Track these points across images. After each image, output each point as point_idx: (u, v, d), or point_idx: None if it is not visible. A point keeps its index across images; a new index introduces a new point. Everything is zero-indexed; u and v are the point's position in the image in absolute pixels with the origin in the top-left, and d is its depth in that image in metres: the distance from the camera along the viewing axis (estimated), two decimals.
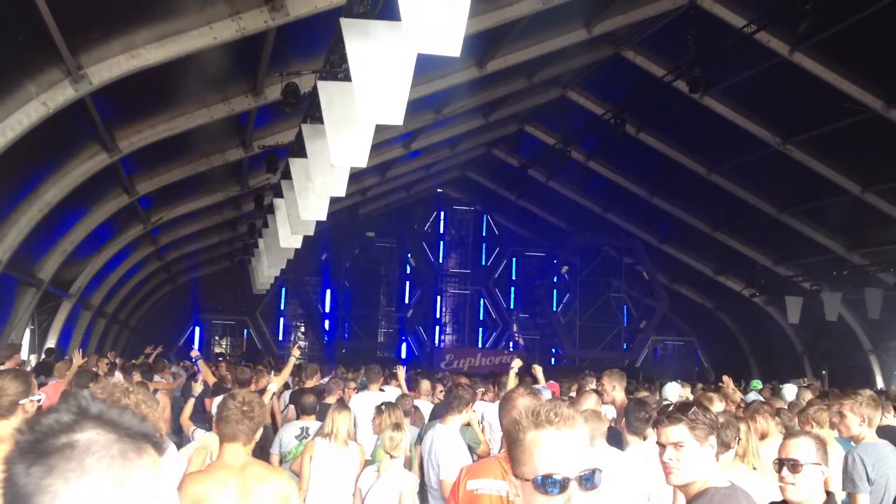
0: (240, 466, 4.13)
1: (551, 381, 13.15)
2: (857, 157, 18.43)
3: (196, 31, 10.25)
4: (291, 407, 9.54)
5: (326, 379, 12.05)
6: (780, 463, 3.80)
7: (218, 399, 7.39)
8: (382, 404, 7.00)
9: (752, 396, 10.00)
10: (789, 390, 10.87)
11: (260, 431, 4.38)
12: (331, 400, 9.15)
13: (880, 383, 22.60)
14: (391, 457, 5.87)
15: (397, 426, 6.08)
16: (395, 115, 7.14)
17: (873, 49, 15.12)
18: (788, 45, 15.61)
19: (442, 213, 34.99)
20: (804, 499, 3.70)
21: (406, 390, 10.22)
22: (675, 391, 10.40)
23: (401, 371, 10.61)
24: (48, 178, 12.89)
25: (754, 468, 5.30)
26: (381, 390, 10.14)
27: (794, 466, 3.73)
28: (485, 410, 8.60)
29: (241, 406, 4.21)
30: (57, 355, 15.17)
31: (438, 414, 8.10)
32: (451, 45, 5.79)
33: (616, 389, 7.84)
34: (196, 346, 31.95)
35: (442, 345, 34.00)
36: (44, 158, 12.56)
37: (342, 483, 6.40)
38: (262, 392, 8.15)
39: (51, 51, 9.55)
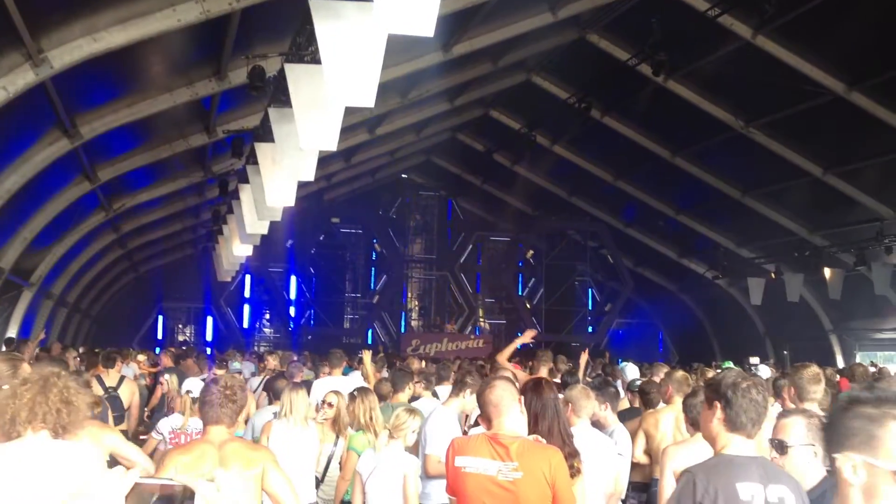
0: (220, 443, 4.31)
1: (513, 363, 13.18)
2: (819, 140, 18.61)
3: (159, 13, 10.09)
4: (263, 393, 9.50)
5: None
6: (770, 444, 3.80)
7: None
8: (355, 390, 6.97)
9: None
10: (764, 370, 11.07)
11: (243, 415, 4.49)
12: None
13: (840, 363, 22.94)
14: (391, 437, 5.81)
15: (411, 410, 6.03)
16: (366, 97, 7.10)
17: (835, 32, 15.25)
18: (751, 28, 15.68)
19: (407, 199, 34.86)
20: (797, 481, 3.61)
21: (372, 375, 10.18)
22: (633, 371, 10.89)
23: (367, 355, 10.54)
24: (8, 165, 12.64)
25: None
26: (345, 374, 10.13)
27: (782, 447, 3.72)
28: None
29: (223, 390, 4.40)
30: (17, 345, 14.90)
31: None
32: (423, 24, 5.74)
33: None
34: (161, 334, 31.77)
35: (408, 330, 33.96)
36: (3, 144, 12.30)
37: (301, 462, 6.38)
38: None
39: (11, 34, 9.34)
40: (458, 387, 6.53)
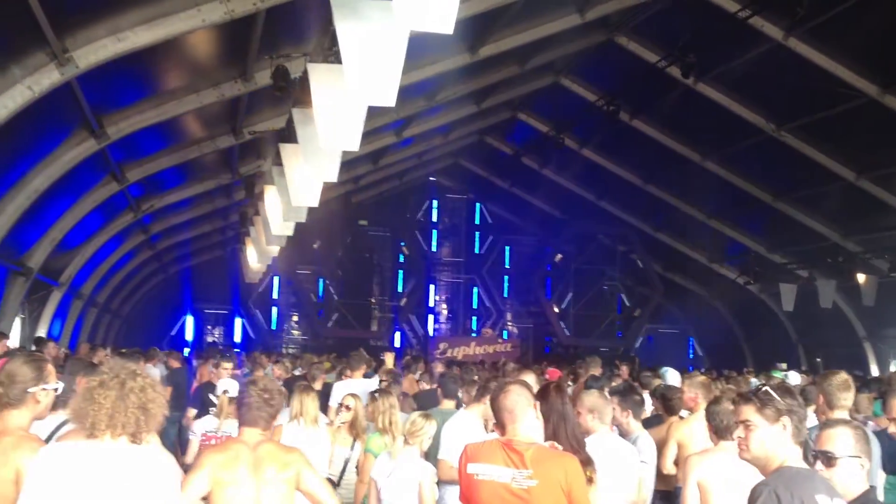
0: (254, 444, 4.31)
1: (551, 369, 13.11)
2: (852, 144, 18.30)
3: (184, 13, 10.08)
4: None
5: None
6: (815, 455, 3.61)
7: None
8: (376, 391, 6.90)
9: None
10: (794, 377, 10.86)
11: (278, 418, 4.52)
12: (316, 387, 9.07)
13: (875, 371, 22.55)
14: (406, 443, 5.72)
15: (426, 416, 5.96)
16: (387, 97, 7.01)
17: (868, 34, 15.03)
18: (783, 30, 15.46)
19: (434, 202, 34.85)
20: (841, 494, 3.44)
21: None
22: (675, 377, 10.57)
23: (389, 357, 10.47)
24: (35, 165, 12.71)
25: None
26: (367, 377, 10.07)
27: (829, 459, 3.55)
28: None
29: (262, 393, 4.40)
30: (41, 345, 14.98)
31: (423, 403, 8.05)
32: (444, 22, 5.67)
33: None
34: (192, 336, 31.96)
35: (436, 333, 33.89)
36: (30, 144, 12.37)
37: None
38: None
39: (36, 33, 9.37)
40: (481, 392, 6.41)
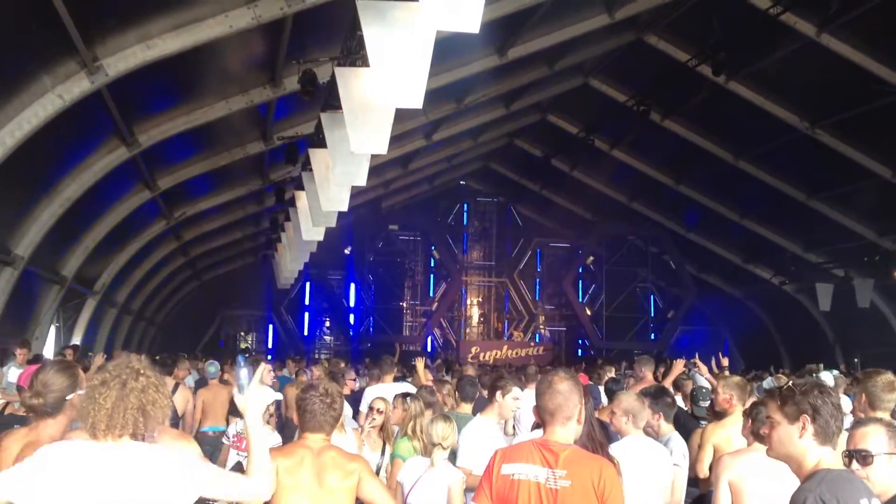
0: (318, 450, 4.30)
1: (580, 374, 13.01)
2: (888, 141, 17.99)
3: (212, 19, 10.17)
4: None
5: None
6: (850, 455, 3.48)
7: None
8: (406, 395, 6.82)
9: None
10: (827, 377, 10.63)
11: (341, 420, 4.54)
12: (344, 392, 9.01)
13: None
14: (442, 448, 5.63)
15: (447, 417, 5.88)
16: (415, 99, 6.98)
17: None
18: (815, 26, 15.28)
19: (465, 205, 34.82)
20: (880, 493, 3.32)
21: (423, 382, 10.02)
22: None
23: (420, 362, 10.36)
24: (68, 174, 12.84)
25: None
26: (403, 378, 9.99)
27: (864, 458, 3.42)
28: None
29: (324, 398, 4.38)
30: (82, 352, 15.10)
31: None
32: (469, 21, 5.63)
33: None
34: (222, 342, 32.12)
35: (467, 337, 33.83)
36: (63, 153, 12.51)
37: None
38: None
39: (65, 42, 9.47)
40: (491, 392, 6.30)
